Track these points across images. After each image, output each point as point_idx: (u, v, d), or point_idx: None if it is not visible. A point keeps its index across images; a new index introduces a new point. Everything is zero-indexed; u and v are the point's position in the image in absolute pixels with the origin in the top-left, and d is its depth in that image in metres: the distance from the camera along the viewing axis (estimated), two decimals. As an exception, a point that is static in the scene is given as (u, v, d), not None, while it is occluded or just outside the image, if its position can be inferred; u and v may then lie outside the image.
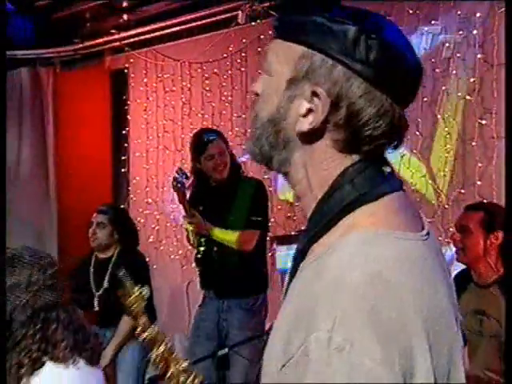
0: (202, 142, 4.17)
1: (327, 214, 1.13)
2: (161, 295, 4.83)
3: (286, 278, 1.21)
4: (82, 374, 2.29)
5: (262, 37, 5.14)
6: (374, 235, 1.08)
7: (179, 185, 4.10)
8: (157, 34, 5.90)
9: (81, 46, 6.31)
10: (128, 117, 6.33)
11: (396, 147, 1.17)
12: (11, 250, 2.41)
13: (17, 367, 2.17)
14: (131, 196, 6.28)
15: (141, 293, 1.78)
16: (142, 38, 6.00)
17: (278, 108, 1.15)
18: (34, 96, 6.70)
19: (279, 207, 5.07)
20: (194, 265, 5.45)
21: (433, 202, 4.38)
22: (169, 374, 1.66)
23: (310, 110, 1.11)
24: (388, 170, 1.17)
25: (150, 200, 6.06)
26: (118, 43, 6.14)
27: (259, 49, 5.18)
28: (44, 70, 6.63)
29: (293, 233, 4.62)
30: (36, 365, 2.19)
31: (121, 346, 4.19)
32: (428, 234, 1.15)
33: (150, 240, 5.69)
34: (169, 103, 6.01)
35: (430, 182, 4.32)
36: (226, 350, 3.07)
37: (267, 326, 4.11)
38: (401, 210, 1.15)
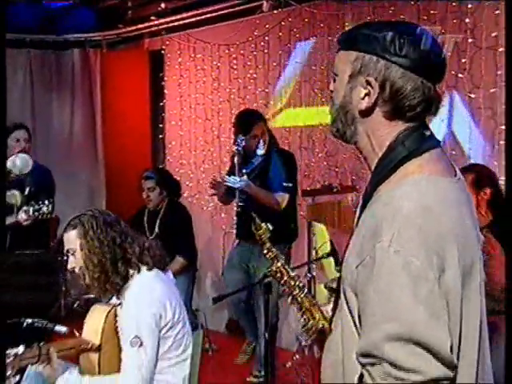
0: (248, 123, 4.29)
1: (386, 167, 1.35)
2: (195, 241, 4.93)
3: (357, 212, 1.45)
4: (162, 275, 2.57)
5: (282, 23, 5.19)
6: (422, 179, 1.31)
7: (239, 148, 4.23)
8: (190, 20, 5.91)
9: (124, 30, 6.38)
10: (164, 91, 6.33)
11: (434, 114, 1.38)
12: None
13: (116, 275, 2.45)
14: (168, 158, 6.37)
15: (267, 226, 2.03)
16: (177, 23, 6.01)
17: (344, 96, 1.38)
18: (83, 74, 6.71)
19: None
20: (223, 215, 5.72)
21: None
22: (283, 281, 1.79)
23: (366, 94, 1.34)
24: (428, 133, 1.37)
25: (183, 161, 6.14)
26: (156, 28, 6.19)
27: (280, 33, 5.24)
28: (92, 51, 6.63)
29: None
30: (129, 273, 2.47)
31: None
32: (459, 178, 1.37)
33: (185, 195, 5.64)
34: (200, 79, 6.00)
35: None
36: (271, 278, 3.28)
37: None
38: (439, 161, 1.36)
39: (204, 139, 6.02)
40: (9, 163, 1.82)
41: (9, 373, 2.23)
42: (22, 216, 3.99)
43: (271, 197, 4.22)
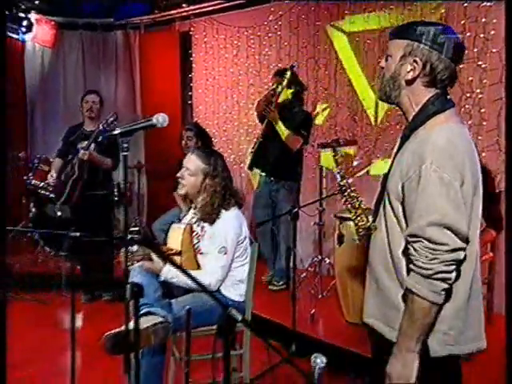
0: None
1: (421, 118, 1.60)
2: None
3: (395, 148, 1.69)
4: (240, 213, 2.90)
5: (292, 10, 5.31)
6: (448, 126, 1.57)
7: (272, 92, 4.39)
8: (214, 7, 5.97)
9: (159, 15, 6.41)
10: (192, 65, 6.36)
11: (452, 86, 1.64)
12: None
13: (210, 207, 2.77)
14: (195, 119, 6.35)
15: (341, 152, 2.12)
16: (203, 9, 6.07)
17: (395, 70, 1.63)
18: (125, 52, 6.76)
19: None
20: (242, 165, 5.71)
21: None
22: (346, 193, 1.92)
23: (411, 69, 1.60)
24: (449, 97, 1.64)
25: (209, 122, 6.16)
26: (185, 13, 6.23)
27: (290, 19, 5.34)
28: (132, 33, 6.69)
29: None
30: (224, 206, 2.80)
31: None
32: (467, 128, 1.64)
33: (211, 148, 5.79)
34: (222, 56, 6.03)
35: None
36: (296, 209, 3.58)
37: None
38: (456, 116, 1.63)
39: (225, 104, 6.12)
40: (154, 120, 2.11)
41: (129, 263, 2.56)
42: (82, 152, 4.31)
43: (295, 138, 4.40)
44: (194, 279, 1.68)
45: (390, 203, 1.62)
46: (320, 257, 4.55)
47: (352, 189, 1.91)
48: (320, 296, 4.32)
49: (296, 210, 3.49)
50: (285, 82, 4.31)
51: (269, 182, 4.59)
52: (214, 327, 2.76)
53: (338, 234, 3.88)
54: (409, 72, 1.61)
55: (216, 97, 6.21)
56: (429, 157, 1.50)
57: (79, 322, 4.34)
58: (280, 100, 4.42)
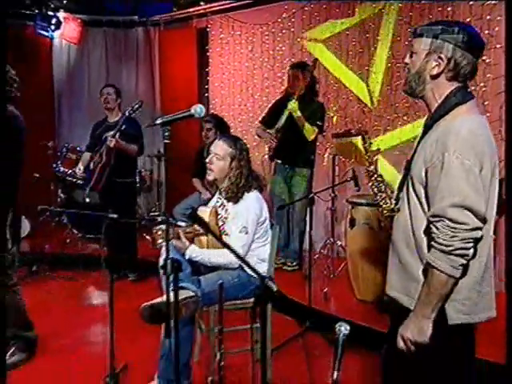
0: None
1: (444, 109, 1.64)
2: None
3: (419, 137, 1.74)
4: (260, 196, 2.98)
5: (305, 8, 5.33)
6: (469, 117, 1.61)
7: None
8: (230, 5, 5.97)
9: (177, 12, 6.43)
10: (209, 60, 6.35)
11: (471, 79, 1.68)
12: None
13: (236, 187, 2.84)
14: (211, 112, 6.29)
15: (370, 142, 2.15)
16: (220, 7, 6.07)
17: (420, 66, 1.67)
18: (145, 47, 6.77)
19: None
20: (256, 154, 5.73)
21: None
22: (373, 178, 1.95)
23: (436, 65, 1.64)
24: (469, 90, 1.68)
25: (225, 114, 6.03)
26: (202, 11, 6.23)
27: (303, 16, 5.36)
28: (152, 29, 6.69)
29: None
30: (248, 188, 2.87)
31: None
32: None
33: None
34: (237, 51, 6.05)
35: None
36: (312, 194, 3.67)
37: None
38: (476, 107, 1.67)
39: (240, 97, 6.14)
40: (192, 110, 2.19)
41: (160, 241, 2.66)
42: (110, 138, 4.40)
43: (312, 129, 4.44)
44: (237, 255, 1.73)
45: (414, 187, 1.68)
46: (332, 239, 4.63)
47: (378, 174, 1.96)
48: (332, 276, 4.41)
49: (312, 195, 3.58)
50: (307, 78, 4.39)
51: (284, 169, 4.65)
52: (238, 302, 2.87)
53: (350, 218, 3.96)
54: (434, 68, 1.65)
55: (231, 90, 6.23)
56: (452, 146, 1.56)
57: (106, 299, 4.45)
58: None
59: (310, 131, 4.46)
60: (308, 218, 3.70)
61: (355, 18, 5.01)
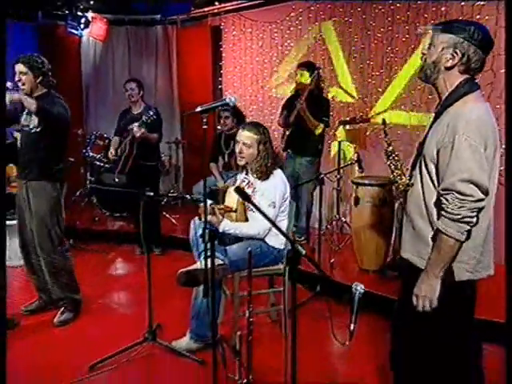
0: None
1: (454, 97, 1.70)
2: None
3: (430, 121, 1.77)
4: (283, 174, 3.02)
5: (311, 8, 5.31)
6: (476, 105, 1.68)
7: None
8: (242, 4, 5.93)
9: (193, 12, 6.39)
10: (223, 55, 6.33)
11: (479, 72, 1.73)
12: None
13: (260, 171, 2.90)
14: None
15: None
16: (232, 7, 6.03)
17: (437, 57, 1.72)
18: (164, 44, 6.71)
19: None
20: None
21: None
22: (392, 157, 1.96)
23: (451, 58, 1.70)
24: (476, 81, 1.74)
25: (238, 104, 5.75)
26: (216, 10, 6.20)
27: (309, 15, 5.33)
28: (170, 27, 6.63)
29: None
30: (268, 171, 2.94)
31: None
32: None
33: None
34: (248, 47, 6.02)
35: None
36: (322, 175, 3.73)
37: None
38: (482, 96, 1.74)
39: (251, 89, 6.12)
40: (227, 99, 2.26)
41: (201, 216, 2.69)
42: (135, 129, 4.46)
43: (319, 125, 4.46)
44: (272, 222, 1.82)
45: (426, 165, 1.74)
46: (337, 216, 4.72)
47: (396, 153, 1.99)
48: (337, 249, 4.50)
49: (322, 176, 3.65)
50: (314, 80, 4.36)
51: (293, 157, 4.70)
52: (259, 269, 2.96)
53: (355, 197, 4.04)
54: (448, 60, 1.71)
55: (243, 82, 6.23)
56: (461, 129, 1.62)
57: (132, 269, 4.61)
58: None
59: (316, 127, 4.46)
60: (318, 197, 3.73)
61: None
